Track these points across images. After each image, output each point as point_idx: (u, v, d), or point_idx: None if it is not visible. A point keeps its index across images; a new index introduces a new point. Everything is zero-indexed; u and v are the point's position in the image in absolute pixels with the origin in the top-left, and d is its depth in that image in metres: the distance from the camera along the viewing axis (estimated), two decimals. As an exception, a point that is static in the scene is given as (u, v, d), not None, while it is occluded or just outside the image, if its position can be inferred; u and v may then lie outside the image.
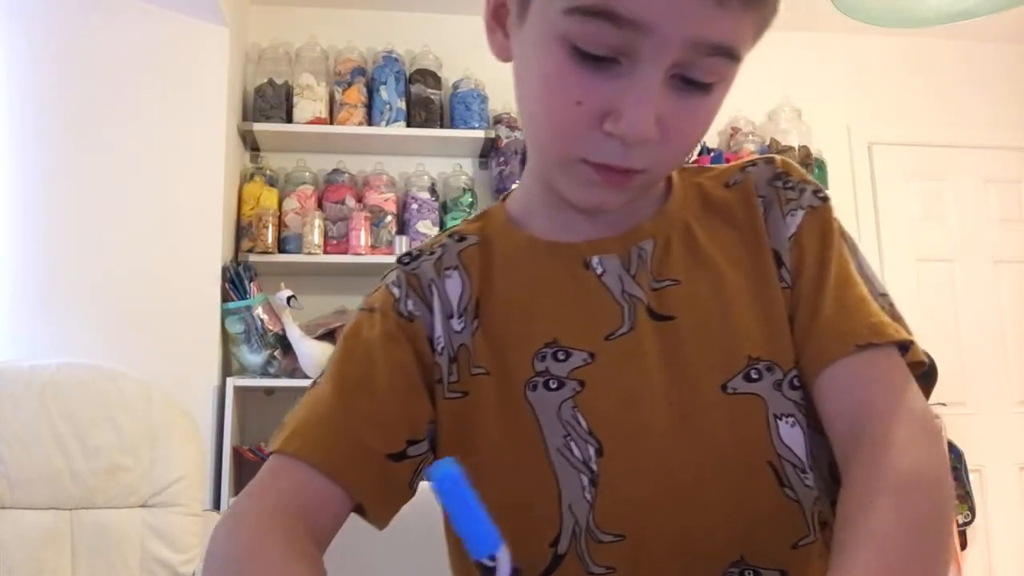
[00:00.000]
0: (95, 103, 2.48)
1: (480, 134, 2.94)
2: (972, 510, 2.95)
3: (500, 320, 0.69)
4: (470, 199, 2.96)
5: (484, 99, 3.03)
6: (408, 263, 0.73)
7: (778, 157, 0.73)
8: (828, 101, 3.34)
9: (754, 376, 0.65)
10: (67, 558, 1.86)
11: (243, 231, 2.79)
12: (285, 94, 2.92)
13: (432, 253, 0.73)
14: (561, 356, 0.66)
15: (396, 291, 0.71)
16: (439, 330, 0.69)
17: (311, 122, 2.88)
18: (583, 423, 0.65)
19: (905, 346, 0.64)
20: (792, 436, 0.64)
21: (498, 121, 3.01)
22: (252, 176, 2.87)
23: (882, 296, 0.68)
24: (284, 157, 2.96)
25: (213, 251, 2.58)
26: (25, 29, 2.44)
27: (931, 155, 3.37)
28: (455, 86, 3.04)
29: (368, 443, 0.63)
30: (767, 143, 3.11)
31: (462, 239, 0.73)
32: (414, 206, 2.92)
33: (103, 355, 2.18)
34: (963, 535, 2.95)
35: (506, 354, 0.68)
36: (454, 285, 0.71)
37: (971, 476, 2.98)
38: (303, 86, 2.90)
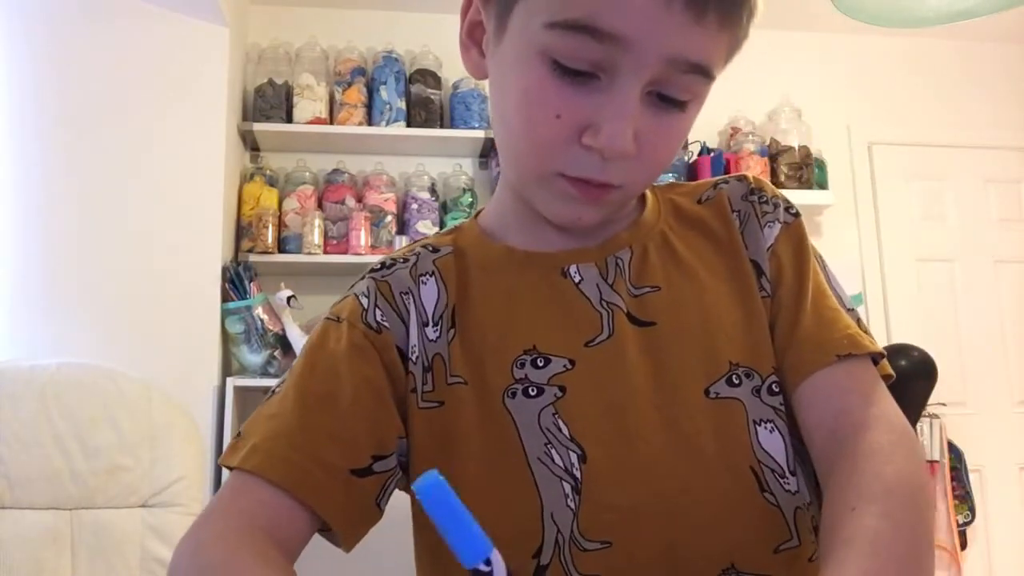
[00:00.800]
0: (95, 103, 2.48)
1: (480, 134, 2.94)
2: (972, 510, 2.94)
3: (477, 329, 0.68)
4: (470, 199, 2.96)
5: (484, 99, 3.02)
6: (379, 271, 0.72)
7: (749, 174, 0.75)
8: (828, 101, 3.34)
9: (735, 381, 0.65)
10: (67, 558, 1.86)
11: (243, 231, 2.79)
12: (285, 94, 2.92)
13: (406, 261, 0.72)
14: (540, 363, 0.66)
15: (364, 301, 0.69)
16: (414, 339, 0.68)
17: (311, 122, 2.88)
18: (564, 430, 0.64)
19: (876, 359, 0.67)
20: (771, 441, 0.65)
21: (498, 121, 3.01)
22: (252, 176, 2.87)
23: (851, 311, 0.70)
24: (284, 157, 2.96)
25: (213, 251, 2.58)
26: (25, 29, 2.44)
27: (931, 155, 3.37)
28: (455, 86, 3.04)
29: (330, 460, 0.61)
30: (767, 143, 3.11)
31: (435, 250, 0.73)
32: (414, 206, 2.92)
33: (103, 355, 2.18)
34: (963, 535, 2.95)
35: (484, 362, 0.67)
36: (430, 292, 0.70)
37: (971, 476, 2.97)
38: (303, 86, 2.90)
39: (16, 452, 1.88)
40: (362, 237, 2.78)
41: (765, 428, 0.65)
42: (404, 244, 2.75)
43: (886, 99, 3.41)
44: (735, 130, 3.16)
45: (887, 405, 0.64)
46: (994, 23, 2.84)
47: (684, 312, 0.67)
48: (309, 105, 2.88)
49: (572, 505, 0.63)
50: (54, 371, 1.97)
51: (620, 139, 0.58)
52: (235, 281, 2.63)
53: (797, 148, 3.10)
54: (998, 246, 3.36)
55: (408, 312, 0.69)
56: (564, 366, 0.66)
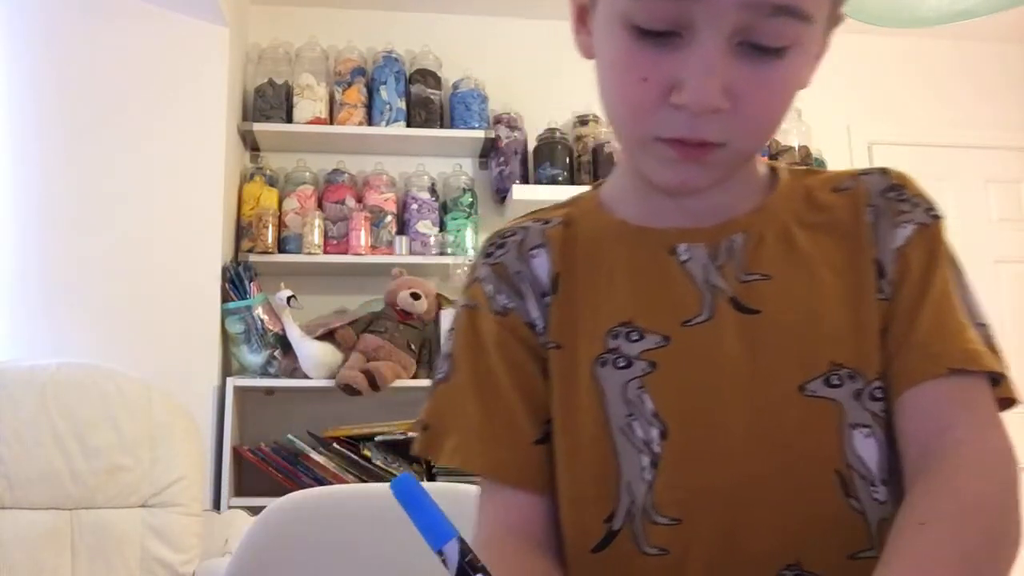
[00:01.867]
0: (95, 103, 2.48)
1: (480, 134, 2.94)
2: (972, 510, 2.94)
3: (578, 297, 0.70)
4: (470, 199, 2.96)
5: (484, 99, 3.03)
6: (492, 253, 0.73)
7: (894, 169, 0.71)
8: (828, 101, 3.33)
9: (835, 382, 0.64)
10: (67, 558, 1.87)
11: (243, 231, 2.79)
12: (285, 94, 2.92)
13: (514, 235, 0.74)
14: (634, 336, 0.66)
15: (488, 288, 0.72)
16: (534, 312, 0.70)
17: (311, 122, 2.88)
18: (649, 404, 0.65)
19: (997, 379, 0.63)
20: (866, 447, 0.63)
21: (498, 121, 3.02)
22: (252, 176, 2.87)
23: (981, 326, 0.66)
24: (284, 157, 2.96)
25: (213, 251, 2.58)
26: (25, 29, 2.44)
27: (931, 155, 3.37)
28: (455, 86, 3.04)
29: (518, 443, 0.67)
30: (767, 143, 3.11)
31: (546, 222, 0.74)
32: (414, 206, 2.92)
33: (103, 355, 2.19)
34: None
35: (579, 330, 0.68)
36: (540, 264, 0.71)
37: (971, 476, 2.97)
38: (303, 86, 2.90)
39: (16, 452, 1.88)
40: (362, 237, 2.78)
41: (861, 433, 0.63)
42: (404, 244, 2.75)
43: (886, 99, 3.41)
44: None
45: (992, 428, 0.61)
46: (994, 23, 2.84)
47: (791, 305, 0.65)
48: (309, 105, 2.89)
49: (648, 478, 0.64)
50: (54, 371, 1.97)
51: (705, 93, 0.57)
52: (235, 281, 2.63)
53: (797, 148, 3.10)
54: (998, 246, 3.36)
55: (523, 288, 0.71)
56: (657, 342, 0.66)
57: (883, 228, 0.68)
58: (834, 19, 0.65)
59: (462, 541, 0.43)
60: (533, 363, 0.69)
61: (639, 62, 0.59)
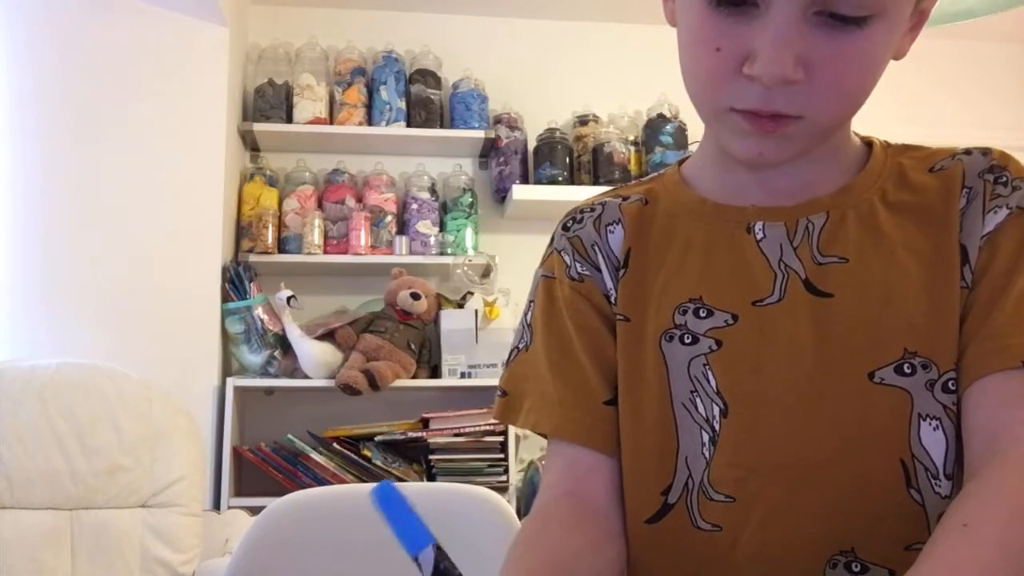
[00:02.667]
0: (95, 103, 2.48)
1: (480, 134, 2.94)
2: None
3: (649, 271, 0.70)
4: (470, 199, 2.96)
5: (484, 99, 3.03)
6: (570, 227, 0.75)
7: (996, 149, 0.67)
8: (828, 101, 3.34)
9: (907, 370, 0.62)
10: (67, 558, 1.86)
11: (243, 231, 2.79)
12: (285, 94, 2.92)
13: (592, 210, 0.74)
14: (703, 313, 0.66)
15: (566, 258, 0.73)
16: (609, 283, 0.72)
17: (311, 122, 2.88)
18: (712, 382, 0.65)
19: None
20: (933, 439, 0.62)
21: (498, 121, 3.01)
22: (252, 176, 2.87)
23: None
24: (284, 157, 2.96)
25: (213, 251, 2.58)
26: (25, 29, 2.44)
27: (931, 155, 3.37)
28: (455, 86, 3.04)
29: (589, 405, 0.69)
30: (767, 143, 3.11)
31: (625, 198, 0.74)
32: (414, 206, 2.92)
33: (103, 355, 2.18)
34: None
35: (648, 303, 0.69)
36: (616, 239, 0.72)
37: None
38: (303, 86, 2.90)
39: (16, 452, 1.87)
40: (362, 237, 2.78)
41: (930, 424, 0.62)
42: (404, 244, 2.74)
43: (886, 99, 3.41)
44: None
45: None
46: (995, 23, 2.84)
47: (867, 289, 0.64)
48: (309, 105, 2.88)
49: (706, 455, 0.65)
50: (54, 371, 1.97)
51: (776, 64, 0.56)
52: (235, 281, 2.63)
53: (797, 148, 3.09)
54: (998, 246, 3.36)
55: (599, 261, 0.72)
56: (726, 321, 0.66)
57: (972, 212, 0.65)
58: None
59: (438, 548, 0.44)
60: (606, 329, 0.71)
61: (713, 32, 0.59)
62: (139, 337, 2.39)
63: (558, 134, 3.00)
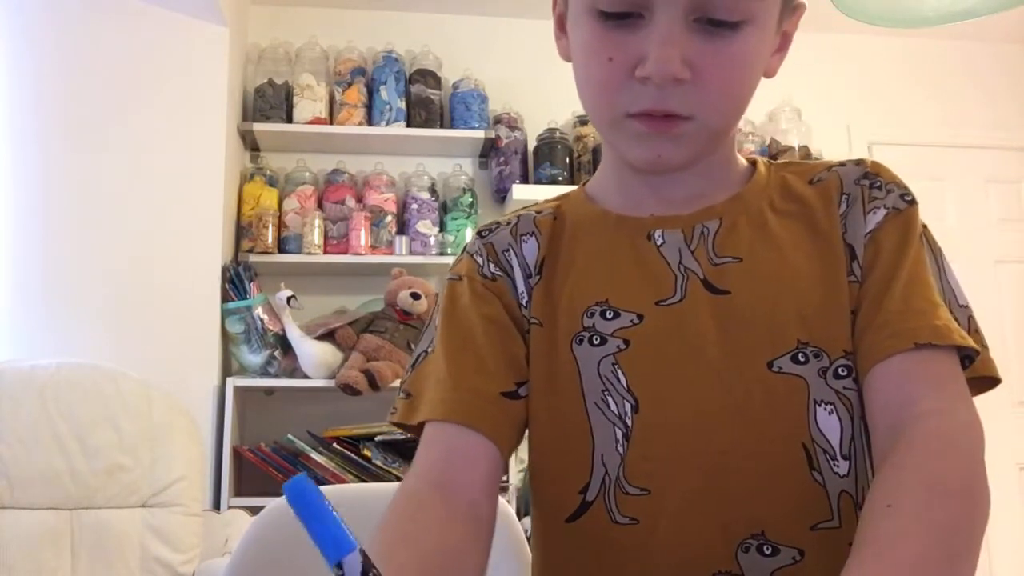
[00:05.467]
0: (95, 103, 2.48)
1: (480, 134, 2.94)
2: (972, 510, 2.94)
3: (559, 278, 0.73)
4: (470, 199, 2.96)
5: (484, 99, 3.03)
6: (485, 235, 0.78)
7: (869, 159, 0.74)
8: (828, 101, 3.34)
9: (801, 359, 0.66)
10: (67, 558, 1.87)
11: (243, 231, 2.79)
12: (285, 94, 2.92)
13: (509, 223, 0.78)
14: (609, 315, 0.70)
15: (479, 259, 0.76)
16: (520, 287, 0.74)
17: (311, 122, 2.88)
18: (623, 380, 0.68)
19: (972, 356, 0.65)
20: (828, 423, 0.65)
21: (498, 121, 3.02)
22: (252, 176, 2.87)
23: (962, 308, 0.68)
24: (284, 157, 2.96)
25: (213, 251, 2.58)
26: (25, 29, 2.44)
27: (931, 155, 3.37)
28: (455, 86, 3.04)
29: (481, 389, 0.69)
30: (767, 143, 3.11)
31: (539, 212, 0.78)
32: (414, 206, 2.92)
33: (103, 355, 2.19)
34: (963, 535, 2.95)
35: (559, 308, 0.72)
36: (530, 248, 0.75)
37: (971, 476, 2.97)
38: (303, 86, 2.90)
39: (16, 452, 1.88)
40: (362, 237, 2.78)
41: (824, 409, 0.65)
42: (404, 244, 2.75)
43: (886, 99, 3.41)
44: (736, 130, 3.16)
45: (958, 401, 0.62)
46: (994, 23, 2.84)
47: (760, 285, 0.68)
48: (309, 105, 2.89)
49: (620, 451, 0.67)
50: (54, 371, 1.97)
51: (665, 63, 0.61)
52: (235, 281, 2.63)
53: (797, 148, 3.10)
54: (998, 246, 3.36)
55: (511, 266, 0.75)
56: (632, 321, 0.69)
57: (854, 214, 0.70)
58: (791, 2, 0.68)
59: (363, 554, 0.39)
60: (511, 323, 0.73)
61: (605, 44, 0.63)
62: (139, 337, 2.38)
63: (558, 134, 3.00)
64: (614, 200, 0.75)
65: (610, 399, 0.68)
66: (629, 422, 0.67)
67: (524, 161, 3.01)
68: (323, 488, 1.12)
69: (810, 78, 3.35)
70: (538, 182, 2.96)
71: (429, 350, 0.74)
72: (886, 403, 0.63)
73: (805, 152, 3.09)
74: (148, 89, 2.53)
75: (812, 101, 3.27)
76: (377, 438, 2.59)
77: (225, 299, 2.61)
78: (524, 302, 0.73)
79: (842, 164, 0.74)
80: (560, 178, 2.95)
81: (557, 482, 0.70)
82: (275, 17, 3.09)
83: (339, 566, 0.38)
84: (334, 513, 0.39)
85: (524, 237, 0.76)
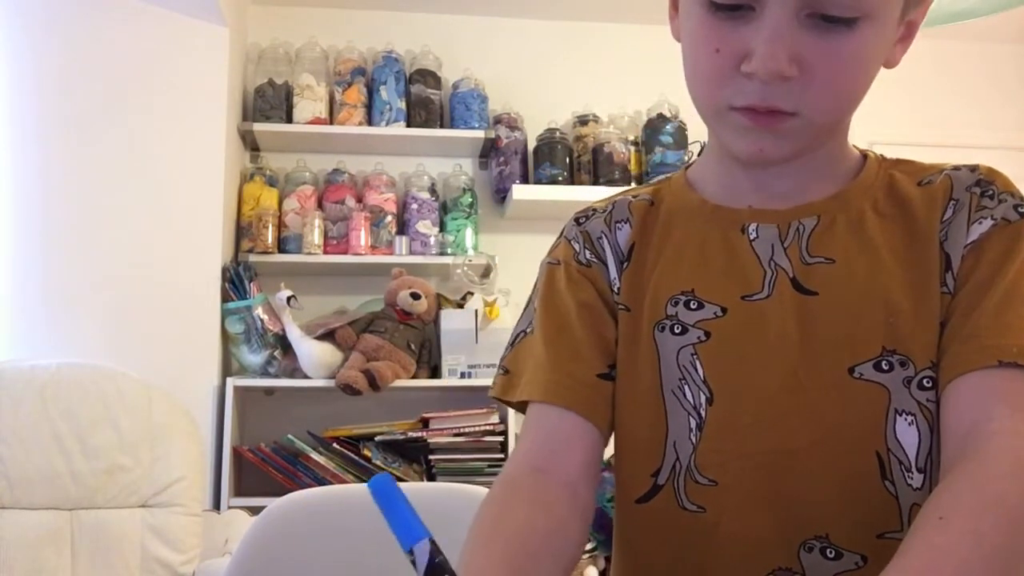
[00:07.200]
0: (95, 103, 2.48)
1: (480, 134, 2.94)
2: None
3: (649, 265, 0.74)
4: (470, 199, 2.96)
5: (484, 99, 3.03)
6: (582, 221, 0.79)
7: (984, 165, 0.72)
8: (828, 101, 3.34)
9: (884, 367, 0.65)
10: (67, 558, 1.86)
11: (243, 231, 2.79)
12: (285, 94, 2.92)
13: (604, 210, 0.78)
14: (693, 305, 0.70)
15: (576, 245, 0.77)
16: (613, 274, 0.75)
17: (311, 122, 2.88)
18: (700, 371, 0.69)
19: None
20: (907, 434, 0.65)
21: (498, 121, 3.01)
22: (252, 176, 2.87)
23: None
24: (284, 157, 2.96)
25: (213, 251, 2.58)
26: (25, 29, 2.44)
27: (931, 155, 3.32)
28: (455, 86, 3.04)
29: (577, 374, 0.71)
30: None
31: (636, 197, 0.78)
32: (414, 206, 2.92)
33: (103, 355, 2.18)
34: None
35: (645, 295, 0.72)
36: (624, 235, 0.76)
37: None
38: (303, 86, 2.90)
39: (16, 452, 1.88)
40: (362, 237, 2.78)
41: (905, 420, 0.64)
42: (404, 244, 2.75)
43: (886, 99, 3.41)
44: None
45: None
46: (997, 23, 2.84)
47: (850, 288, 0.67)
48: (309, 105, 2.88)
49: (693, 440, 0.68)
50: (54, 371, 1.97)
51: (771, 60, 0.60)
52: (235, 281, 2.63)
53: (797, 148, 3.09)
54: (998, 246, 3.36)
55: (604, 253, 0.76)
56: (715, 313, 0.69)
57: (957, 222, 0.68)
58: None
59: (433, 543, 0.44)
60: (604, 308, 0.74)
61: (712, 35, 0.63)
62: (139, 337, 2.39)
63: (558, 134, 3.00)
64: (713, 188, 0.74)
65: (687, 388, 0.69)
66: (703, 413, 0.68)
67: (524, 161, 3.01)
68: (323, 488, 1.12)
69: (810, 78, 3.35)
70: (538, 182, 2.96)
71: (528, 330, 0.75)
72: (960, 417, 0.61)
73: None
74: (148, 89, 2.53)
75: (812, 101, 3.26)
76: (377, 438, 2.59)
77: (225, 299, 2.61)
78: (616, 288, 0.74)
79: (956, 168, 0.71)
80: (560, 178, 2.95)
81: (632, 463, 0.71)
82: (275, 17, 3.09)
83: (411, 552, 0.44)
84: (409, 507, 0.44)
85: (619, 224, 0.76)
